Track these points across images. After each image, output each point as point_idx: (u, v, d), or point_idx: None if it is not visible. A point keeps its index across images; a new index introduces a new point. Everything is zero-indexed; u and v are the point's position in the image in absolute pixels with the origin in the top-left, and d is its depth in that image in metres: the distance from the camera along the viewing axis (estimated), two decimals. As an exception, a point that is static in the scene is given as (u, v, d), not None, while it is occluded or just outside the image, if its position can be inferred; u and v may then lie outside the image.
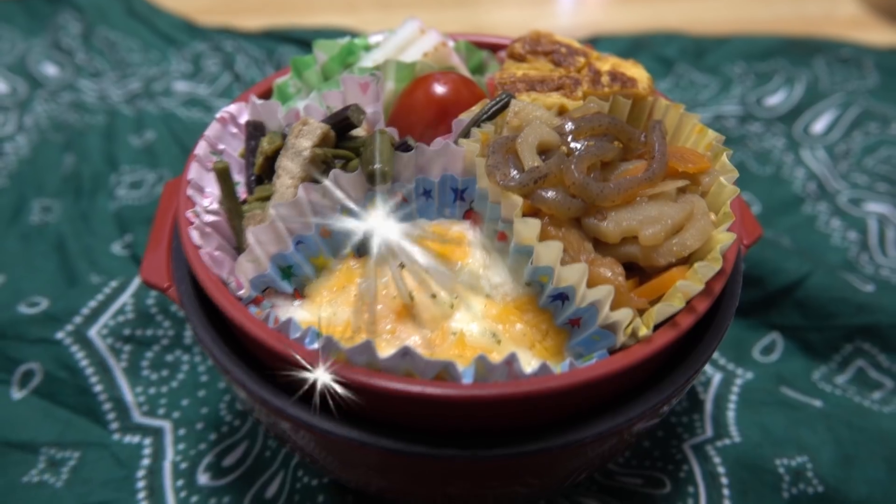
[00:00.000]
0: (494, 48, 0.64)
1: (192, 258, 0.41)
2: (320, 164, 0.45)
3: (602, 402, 0.38)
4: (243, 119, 0.53)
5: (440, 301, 0.42)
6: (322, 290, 0.45)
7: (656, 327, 0.39)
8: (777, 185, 0.90)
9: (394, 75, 0.55)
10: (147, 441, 0.61)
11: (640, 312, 0.41)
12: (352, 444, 0.38)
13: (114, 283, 0.68)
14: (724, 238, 0.41)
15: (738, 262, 0.45)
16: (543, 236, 0.42)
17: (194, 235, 0.43)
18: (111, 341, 0.65)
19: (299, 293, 0.45)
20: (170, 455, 0.60)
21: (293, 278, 0.45)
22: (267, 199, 0.48)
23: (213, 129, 0.51)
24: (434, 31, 0.58)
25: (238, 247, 0.47)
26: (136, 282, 0.69)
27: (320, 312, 0.43)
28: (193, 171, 0.48)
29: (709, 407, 0.63)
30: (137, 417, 0.62)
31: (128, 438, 0.61)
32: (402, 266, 0.44)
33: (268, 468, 0.59)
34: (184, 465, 0.60)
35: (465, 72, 0.59)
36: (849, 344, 0.68)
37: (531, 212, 0.43)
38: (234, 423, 0.62)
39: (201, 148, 0.49)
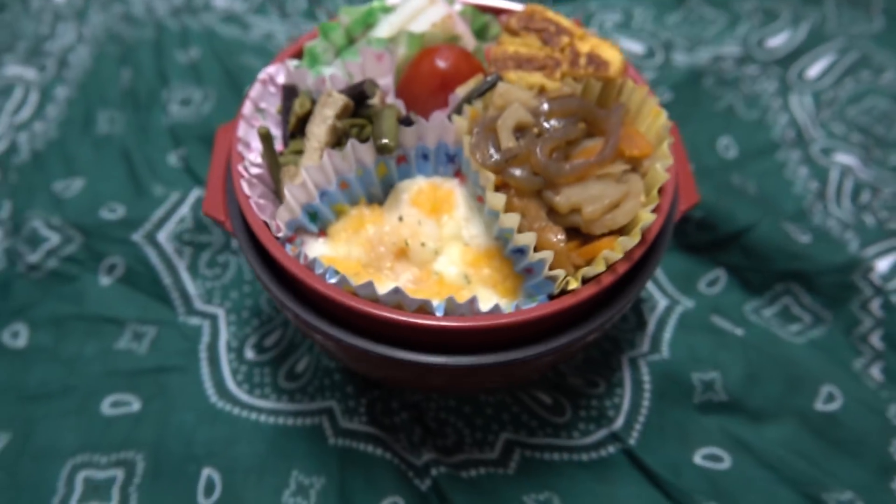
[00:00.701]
0: (497, 12, 0.73)
1: (244, 205, 0.55)
2: (341, 133, 0.58)
3: (544, 332, 0.53)
4: (280, 78, 0.65)
5: (427, 248, 0.56)
6: (340, 232, 0.58)
7: (586, 282, 0.53)
8: (759, 130, 0.98)
9: (406, 43, 0.65)
10: (206, 323, 0.78)
11: (577, 268, 0.54)
12: (359, 350, 0.54)
13: (174, 197, 0.83)
14: (647, 218, 0.53)
15: (662, 234, 0.57)
16: (509, 204, 0.54)
17: (244, 186, 0.56)
18: (175, 244, 0.81)
19: (323, 232, 0.59)
20: (224, 335, 0.78)
21: (318, 221, 0.59)
22: (299, 153, 0.61)
23: (255, 90, 0.63)
24: (442, 2, 0.67)
25: (276, 191, 0.60)
26: (193, 196, 0.84)
27: (338, 249, 0.58)
28: (241, 129, 0.60)
29: (651, 328, 0.77)
30: (198, 305, 0.79)
31: (192, 320, 0.78)
32: (400, 219, 0.57)
33: (298, 350, 0.76)
34: (234, 343, 0.77)
35: (469, 39, 0.69)
36: (780, 284, 0.81)
37: (502, 183, 0.55)
38: (272, 313, 0.79)
39: (247, 108, 0.62)
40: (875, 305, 0.78)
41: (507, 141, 0.55)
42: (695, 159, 0.94)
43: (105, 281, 0.80)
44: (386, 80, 0.62)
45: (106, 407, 0.72)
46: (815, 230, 0.84)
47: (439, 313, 0.52)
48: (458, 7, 0.71)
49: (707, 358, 0.75)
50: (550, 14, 0.65)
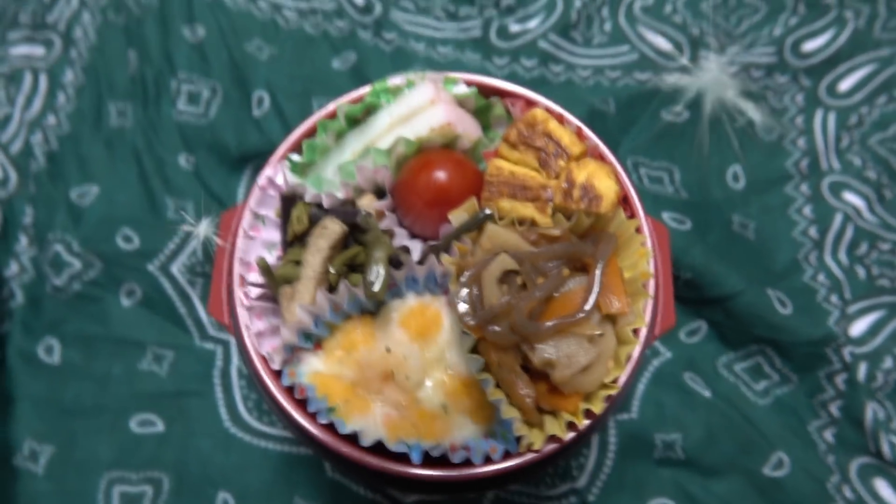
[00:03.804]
0: (501, 94, 0.70)
1: (245, 338, 0.60)
2: (335, 276, 0.61)
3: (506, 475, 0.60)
4: (279, 180, 0.66)
5: (411, 381, 0.62)
6: (334, 350, 0.64)
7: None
8: (773, 157, 0.96)
9: (403, 145, 0.65)
10: (219, 349, 0.86)
11: (542, 412, 0.60)
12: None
13: (186, 226, 0.87)
14: (611, 388, 0.58)
15: (613, 404, 0.61)
16: (486, 356, 0.59)
17: (244, 316, 0.61)
18: (188, 276, 0.86)
19: (318, 345, 0.65)
20: (234, 361, 0.86)
21: (312, 338, 0.64)
22: (297, 263, 0.64)
23: (255, 198, 0.65)
24: (442, 105, 0.65)
25: (276, 299, 0.65)
26: (202, 230, 0.87)
27: (332, 367, 0.63)
28: (241, 246, 0.63)
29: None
30: (211, 332, 0.87)
31: (206, 345, 0.86)
32: (388, 349, 0.62)
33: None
34: (244, 370, 0.85)
35: (469, 132, 0.67)
36: (755, 345, 0.85)
37: (482, 336, 0.59)
38: (279, 341, 0.86)
39: (246, 220, 0.64)
40: (840, 380, 0.83)
41: (491, 294, 0.58)
42: (701, 192, 0.93)
43: (125, 302, 0.87)
44: (382, 203, 0.63)
45: (134, 426, 0.83)
46: (799, 293, 0.86)
47: (416, 454, 0.58)
48: (462, 89, 0.69)
49: (672, 417, 0.82)
50: (552, 126, 0.64)
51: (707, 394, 0.84)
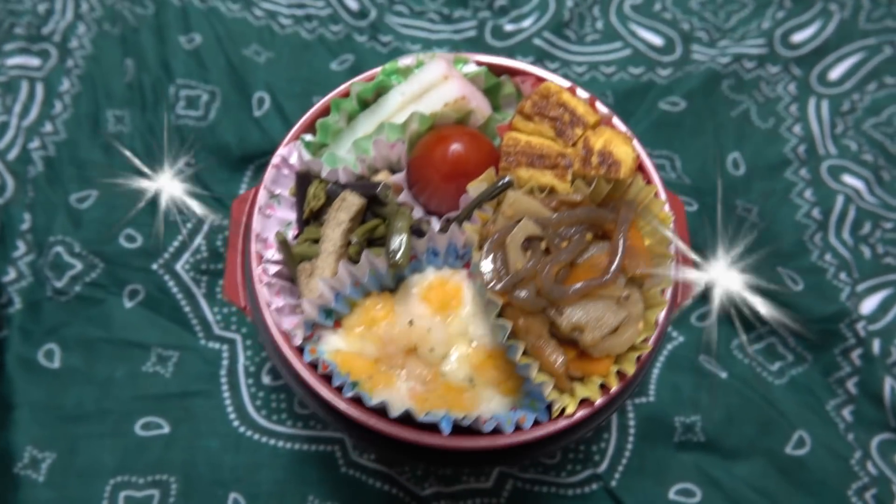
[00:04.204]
0: (511, 73, 0.71)
1: (265, 315, 0.59)
2: (356, 246, 0.60)
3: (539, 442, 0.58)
4: (293, 159, 0.65)
5: (435, 353, 0.60)
6: (354, 326, 0.62)
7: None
8: (770, 143, 0.98)
9: (417, 121, 0.65)
10: (225, 348, 0.84)
11: (573, 379, 0.59)
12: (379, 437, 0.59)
13: (189, 225, 0.85)
14: (642, 348, 0.57)
15: (654, 351, 0.61)
16: (514, 322, 0.58)
17: (264, 292, 0.59)
18: (193, 274, 0.84)
19: (338, 323, 0.63)
20: (241, 359, 0.83)
21: (332, 315, 0.62)
22: (315, 241, 0.63)
23: (269, 176, 0.64)
24: (456, 80, 0.65)
25: (293, 279, 0.63)
26: (206, 225, 0.85)
27: (353, 344, 0.62)
28: (257, 223, 0.62)
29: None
30: (217, 330, 0.84)
31: (211, 344, 0.84)
32: (410, 322, 0.61)
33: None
34: (252, 368, 0.83)
35: (481, 109, 0.68)
36: (769, 325, 0.85)
37: (508, 302, 0.58)
38: (287, 338, 0.84)
39: (262, 197, 0.63)
40: (855, 355, 0.83)
41: (516, 258, 0.57)
42: (702, 179, 0.94)
43: (128, 304, 0.84)
44: (397, 176, 0.62)
45: (139, 429, 0.80)
46: (809, 272, 0.87)
47: (446, 424, 0.57)
48: (472, 68, 0.70)
49: (690, 400, 0.81)
50: (565, 97, 0.64)
51: (724, 375, 0.83)
